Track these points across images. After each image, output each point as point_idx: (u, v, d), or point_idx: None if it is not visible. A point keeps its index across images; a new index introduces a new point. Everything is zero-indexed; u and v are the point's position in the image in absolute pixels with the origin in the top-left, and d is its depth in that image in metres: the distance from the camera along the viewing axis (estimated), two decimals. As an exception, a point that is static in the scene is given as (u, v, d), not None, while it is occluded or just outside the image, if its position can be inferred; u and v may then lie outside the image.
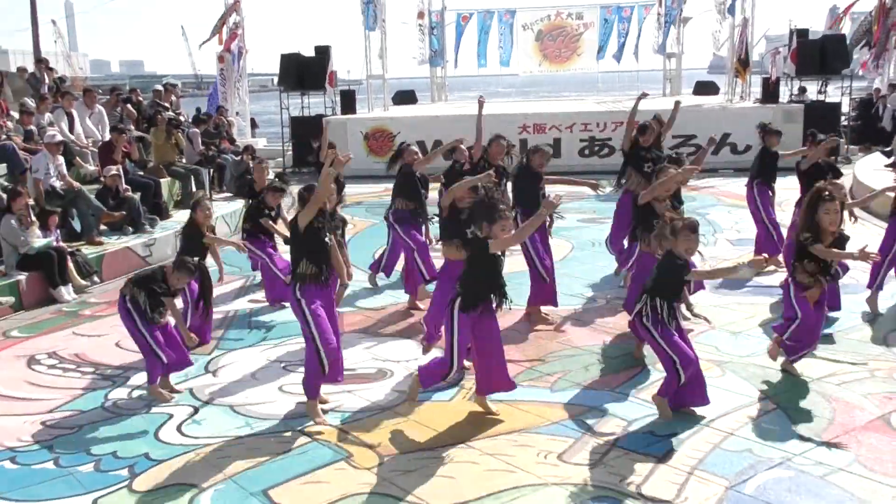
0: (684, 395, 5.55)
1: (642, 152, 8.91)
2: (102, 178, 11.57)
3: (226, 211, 12.64)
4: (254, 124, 24.88)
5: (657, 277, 5.52)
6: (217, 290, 8.97)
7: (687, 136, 17.14)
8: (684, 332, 5.63)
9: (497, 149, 8.40)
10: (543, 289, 7.69)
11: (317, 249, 5.59)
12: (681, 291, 5.55)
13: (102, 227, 11.09)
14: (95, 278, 9.82)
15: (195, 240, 7.36)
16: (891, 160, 7.67)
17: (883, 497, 4.51)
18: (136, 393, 6.39)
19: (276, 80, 22.32)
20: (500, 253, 5.39)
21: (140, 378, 6.50)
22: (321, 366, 5.58)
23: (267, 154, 20.59)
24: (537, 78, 30.55)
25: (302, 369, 5.98)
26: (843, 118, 19.35)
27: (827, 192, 5.85)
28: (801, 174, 8.65)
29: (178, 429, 5.73)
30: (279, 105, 19.69)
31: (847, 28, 24.49)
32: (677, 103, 8.93)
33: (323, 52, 19.61)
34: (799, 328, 5.96)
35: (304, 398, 5.86)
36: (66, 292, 9.23)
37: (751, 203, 9.43)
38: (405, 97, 24.57)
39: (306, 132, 18.23)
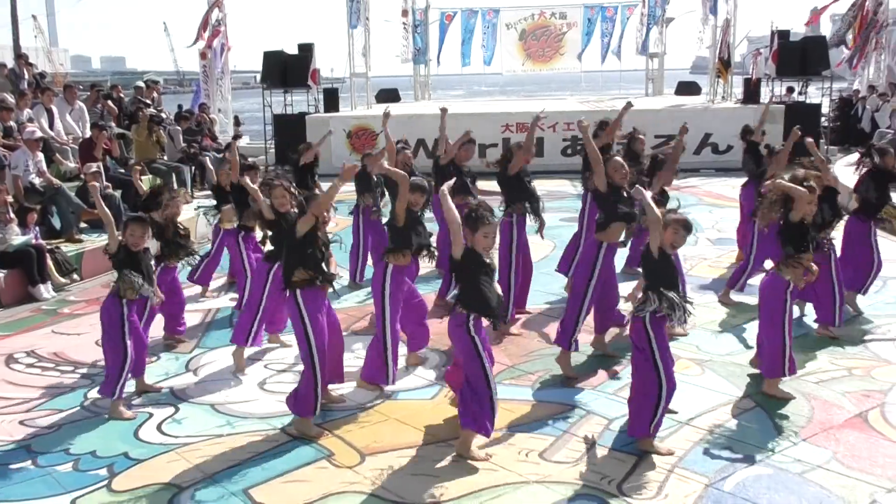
0: None
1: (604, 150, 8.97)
2: (83, 175, 11.48)
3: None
4: (237, 122, 24.75)
5: (652, 274, 5.15)
6: (196, 289, 8.98)
7: (669, 136, 17.22)
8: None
9: (465, 153, 8.46)
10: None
11: (312, 254, 5.39)
12: (675, 279, 5.18)
13: (82, 224, 11.02)
14: (75, 276, 9.75)
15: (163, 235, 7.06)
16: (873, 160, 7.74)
17: (860, 494, 4.55)
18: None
19: (258, 77, 22.23)
20: (490, 260, 5.13)
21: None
22: (315, 388, 5.40)
23: (249, 152, 20.51)
24: (520, 77, 30.58)
25: (281, 367, 5.96)
26: (822, 119, 19.53)
27: (807, 184, 5.84)
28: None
29: (159, 428, 5.70)
30: (262, 103, 19.60)
31: (828, 29, 24.72)
32: (628, 104, 8.64)
33: (306, 50, 19.55)
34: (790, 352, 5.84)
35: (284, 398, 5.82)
36: (45, 290, 9.15)
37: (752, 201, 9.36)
38: (388, 95, 24.54)
39: (289, 130, 18.19)
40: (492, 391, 5.00)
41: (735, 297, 8.14)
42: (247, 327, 6.70)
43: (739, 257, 9.45)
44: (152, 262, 6.34)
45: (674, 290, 5.09)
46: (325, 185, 10.48)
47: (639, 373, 5.16)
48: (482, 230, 4.98)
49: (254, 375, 6.62)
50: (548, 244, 10.37)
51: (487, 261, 5.08)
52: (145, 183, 12.67)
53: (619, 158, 6.62)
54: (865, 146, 8.50)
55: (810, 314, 7.40)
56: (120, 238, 5.98)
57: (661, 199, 7.45)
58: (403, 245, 6.14)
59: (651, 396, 5.04)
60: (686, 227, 5.11)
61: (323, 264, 5.47)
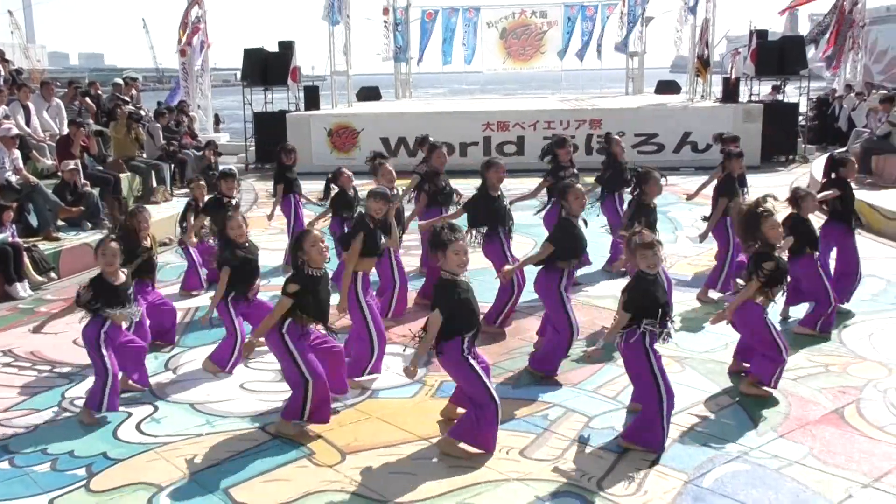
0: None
1: (560, 171, 8.99)
2: (60, 173, 11.39)
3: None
4: (218, 120, 24.62)
5: (630, 297, 5.08)
6: (177, 288, 8.93)
7: (649, 134, 17.37)
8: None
9: (439, 158, 8.43)
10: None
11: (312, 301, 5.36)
12: (658, 305, 5.06)
13: (60, 222, 10.92)
14: (52, 275, 9.65)
15: (132, 250, 6.70)
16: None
17: (836, 489, 4.60)
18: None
19: (238, 74, 22.12)
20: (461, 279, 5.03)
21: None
22: (304, 402, 5.34)
23: (230, 150, 20.42)
24: (501, 75, 30.69)
25: (262, 367, 5.90)
26: (800, 118, 19.74)
27: (762, 209, 5.82)
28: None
29: (138, 427, 5.66)
30: (242, 100, 19.52)
31: (806, 29, 24.98)
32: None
33: (287, 48, 19.50)
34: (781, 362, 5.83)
35: (267, 398, 5.80)
36: (22, 289, 9.05)
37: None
38: (369, 93, 24.52)
39: (269, 128, 18.12)
40: (496, 404, 4.98)
41: (714, 295, 8.19)
42: (226, 355, 6.59)
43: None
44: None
45: (656, 314, 5.03)
46: (304, 184, 10.52)
47: (642, 387, 5.17)
48: (451, 248, 4.98)
49: (234, 375, 6.59)
50: (528, 242, 10.40)
51: (458, 280, 5.00)
52: (124, 181, 12.68)
53: (581, 186, 6.52)
54: (826, 158, 8.57)
55: (796, 313, 7.44)
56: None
57: (646, 212, 7.35)
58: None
59: (654, 411, 5.04)
60: (650, 247, 5.10)
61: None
